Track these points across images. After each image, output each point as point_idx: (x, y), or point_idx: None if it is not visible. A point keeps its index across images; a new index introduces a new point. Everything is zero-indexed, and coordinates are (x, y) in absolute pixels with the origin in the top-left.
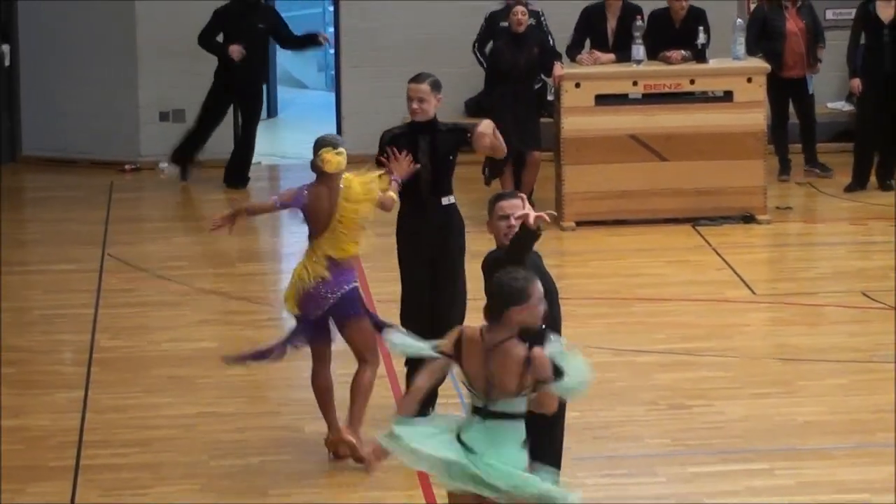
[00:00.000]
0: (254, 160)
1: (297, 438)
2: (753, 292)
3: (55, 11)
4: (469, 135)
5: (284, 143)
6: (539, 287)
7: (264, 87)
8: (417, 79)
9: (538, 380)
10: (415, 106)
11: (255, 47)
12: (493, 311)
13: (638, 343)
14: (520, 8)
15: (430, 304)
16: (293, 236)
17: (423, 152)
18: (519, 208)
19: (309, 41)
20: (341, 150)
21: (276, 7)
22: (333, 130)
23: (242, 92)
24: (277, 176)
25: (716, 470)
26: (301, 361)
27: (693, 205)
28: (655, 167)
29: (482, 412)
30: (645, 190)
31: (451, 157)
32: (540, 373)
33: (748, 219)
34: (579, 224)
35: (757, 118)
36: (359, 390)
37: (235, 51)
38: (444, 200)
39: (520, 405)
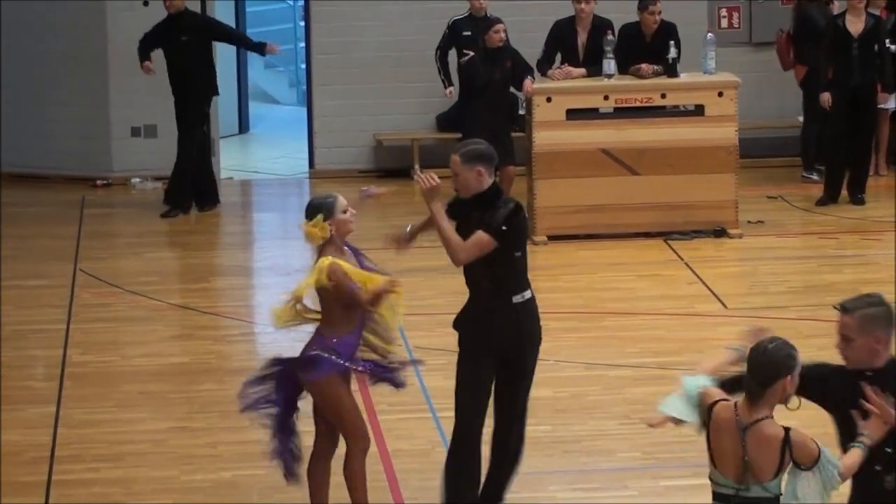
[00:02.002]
0: (224, 175)
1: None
2: (725, 306)
3: (27, 30)
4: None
5: (256, 159)
6: None
7: (213, 98)
8: (455, 150)
9: (797, 462)
10: (453, 182)
11: (184, 60)
12: (758, 384)
13: (610, 357)
14: (501, 26)
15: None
16: (263, 251)
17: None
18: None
19: (257, 48)
20: (317, 219)
21: (212, 11)
22: (305, 146)
23: (180, 105)
24: (249, 191)
25: (688, 483)
26: None
27: (665, 219)
28: (627, 181)
29: (733, 500)
30: (616, 204)
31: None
32: (801, 455)
33: (720, 233)
34: (551, 238)
35: (728, 132)
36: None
37: (145, 68)
38: (516, 298)
39: (775, 489)
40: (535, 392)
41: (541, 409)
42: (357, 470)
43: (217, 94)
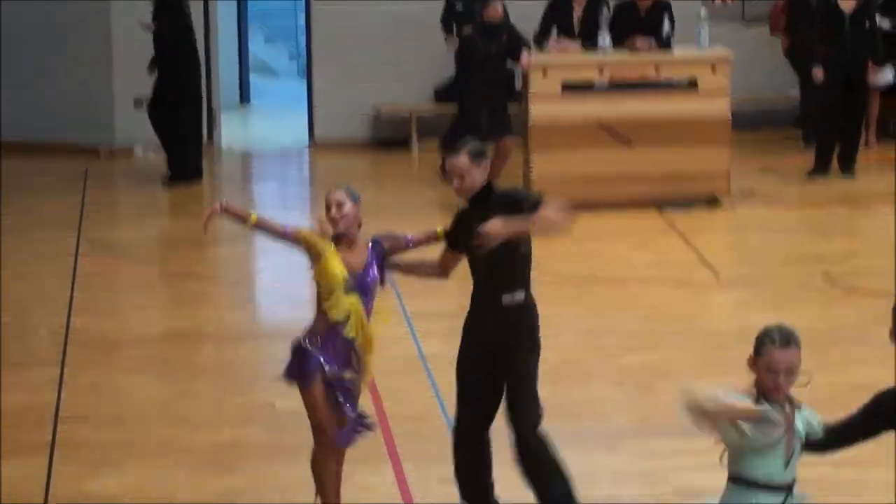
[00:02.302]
0: (225, 146)
1: (268, 415)
2: (717, 275)
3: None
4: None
5: (256, 131)
6: None
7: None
8: (454, 151)
9: None
10: (456, 184)
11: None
12: None
13: (604, 325)
14: (501, 2)
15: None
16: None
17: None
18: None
19: None
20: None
21: None
22: (305, 117)
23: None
24: (250, 162)
25: (680, 447)
26: (271, 342)
27: (658, 190)
28: (621, 153)
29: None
30: (611, 175)
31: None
32: None
33: (712, 203)
34: None
35: (721, 105)
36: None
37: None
38: (506, 299)
39: None
40: None
41: None
42: (320, 470)
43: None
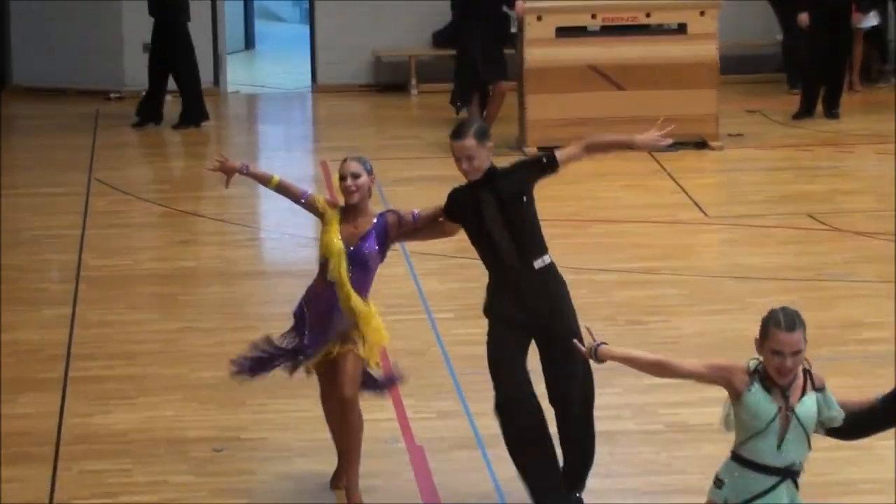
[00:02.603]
0: (231, 89)
1: None
2: (706, 215)
3: None
4: (546, 160)
5: (261, 74)
6: None
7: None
8: (459, 134)
9: None
10: (465, 167)
11: None
12: None
13: (597, 262)
14: None
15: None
16: (268, 161)
17: (489, 206)
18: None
19: None
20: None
21: None
22: (308, 62)
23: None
24: (255, 105)
25: (670, 382)
26: (276, 279)
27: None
28: (613, 96)
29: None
30: (603, 117)
31: (524, 199)
32: None
33: (701, 145)
34: (541, 149)
35: (709, 49)
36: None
37: None
38: (537, 263)
39: None
40: None
41: None
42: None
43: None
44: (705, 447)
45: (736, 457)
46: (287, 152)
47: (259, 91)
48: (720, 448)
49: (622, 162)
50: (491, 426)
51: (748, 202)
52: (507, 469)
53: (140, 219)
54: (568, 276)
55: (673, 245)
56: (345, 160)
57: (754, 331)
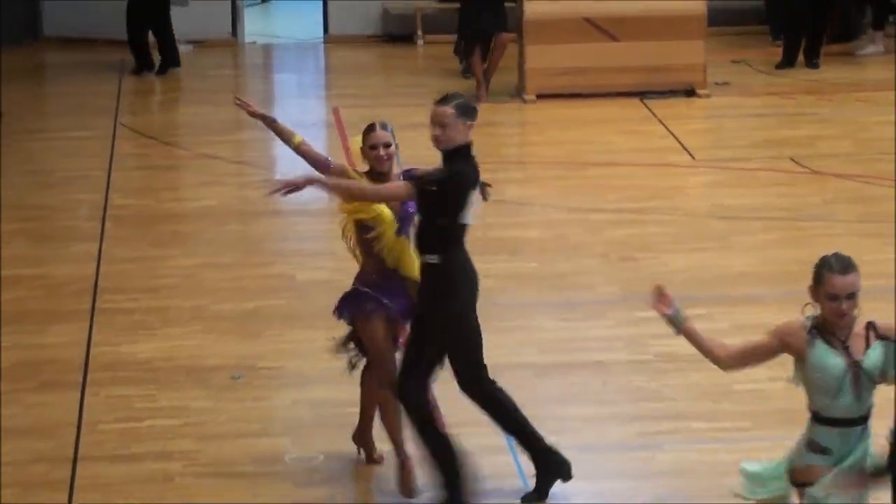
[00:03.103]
0: (248, 40)
1: (290, 285)
2: (693, 158)
3: None
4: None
5: (276, 26)
6: None
7: None
8: (442, 101)
9: None
10: (436, 133)
11: None
12: None
13: (591, 203)
14: None
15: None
16: (283, 108)
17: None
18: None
19: None
20: (356, 139)
21: None
22: (320, 13)
23: None
24: (270, 54)
25: (658, 315)
26: (292, 218)
27: (641, 80)
28: (607, 47)
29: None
30: (598, 67)
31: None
32: None
33: (690, 93)
34: (539, 97)
35: (698, 3)
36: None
37: None
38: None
39: None
40: (522, 233)
41: (528, 248)
42: (380, 400)
43: None
44: (692, 375)
45: (825, 420)
46: (301, 99)
47: (274, 41)
48: (705, 377)
49: (615, 109)
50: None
51: (733, 146)
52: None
53: (163, 161)
54: (563, 216)
55: (662, 186)
56: (371, 129)
57: (738, 265)
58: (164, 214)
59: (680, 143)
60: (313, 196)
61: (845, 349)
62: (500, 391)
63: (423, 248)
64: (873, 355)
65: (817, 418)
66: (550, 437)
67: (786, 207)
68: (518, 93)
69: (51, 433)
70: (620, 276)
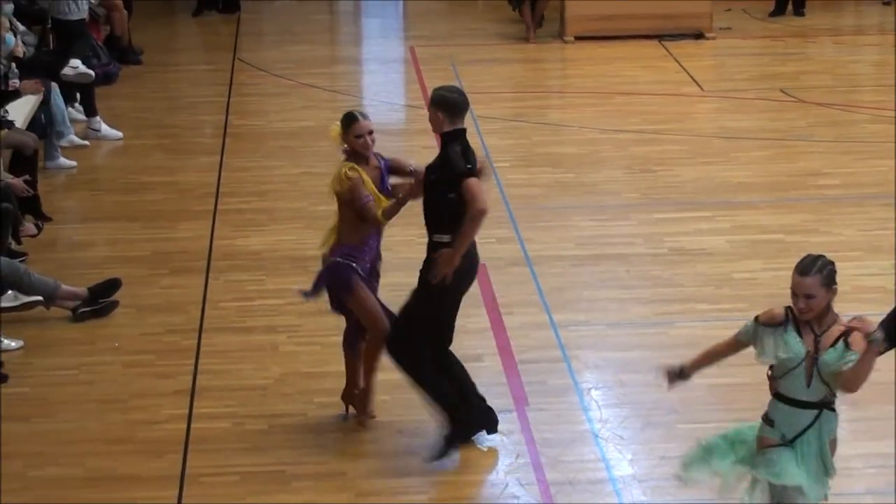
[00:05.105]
0: None
1: None
2: (702, 89)
3: None
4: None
5: None
6: None
7: None
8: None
9: None
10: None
11: None
12: None
13: (618, 124)
14: None
15: None
16: (369, 46)
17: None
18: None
19: None
20: (335, 127)
21: None
22: None
23: None
24: (359, 2)
25: (673, 216)
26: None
27: (659, 25)
28: None
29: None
30: (624, 14)
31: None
32: None
33: (699, 36)
34: (577, 38)
35: None
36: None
37: None
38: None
39: None
40: (562, 149)
41: (567, 162)
42: (374, 354)
43: None
44: (699, 266)
45: (777, 395)
46: (384, 39)
47: None
48: (709, 267)
49: (638, 48)
50: (536, 248)
51: (734, 79)
52: (547, 281)
53: (271, 89)
54: (595, 135)
55: (676, 112)
56: (355, 119)
57: (737, 177)
58: (272, 132)
59: (691, 76)
60: (392, 119)
61: (816, 341)
62: (450, 365)
63: (433, 228)
64: (831, 355)
65: (775, 394)
66: (581, 315)
67: (776, 130)
68: (559, 35)
69: (181, 309)
70: (641, 185)
